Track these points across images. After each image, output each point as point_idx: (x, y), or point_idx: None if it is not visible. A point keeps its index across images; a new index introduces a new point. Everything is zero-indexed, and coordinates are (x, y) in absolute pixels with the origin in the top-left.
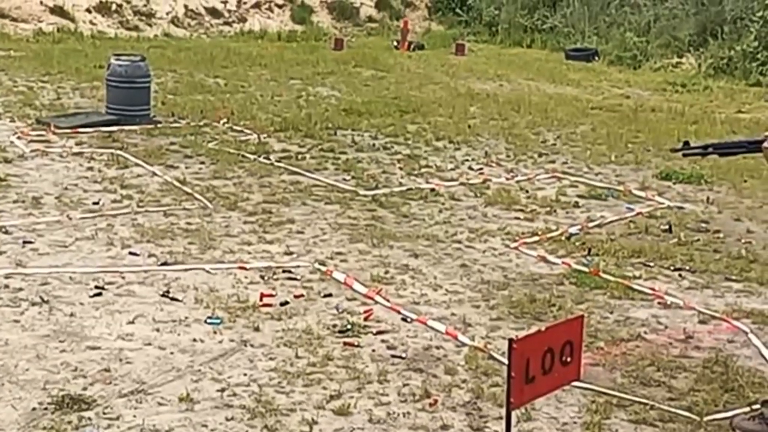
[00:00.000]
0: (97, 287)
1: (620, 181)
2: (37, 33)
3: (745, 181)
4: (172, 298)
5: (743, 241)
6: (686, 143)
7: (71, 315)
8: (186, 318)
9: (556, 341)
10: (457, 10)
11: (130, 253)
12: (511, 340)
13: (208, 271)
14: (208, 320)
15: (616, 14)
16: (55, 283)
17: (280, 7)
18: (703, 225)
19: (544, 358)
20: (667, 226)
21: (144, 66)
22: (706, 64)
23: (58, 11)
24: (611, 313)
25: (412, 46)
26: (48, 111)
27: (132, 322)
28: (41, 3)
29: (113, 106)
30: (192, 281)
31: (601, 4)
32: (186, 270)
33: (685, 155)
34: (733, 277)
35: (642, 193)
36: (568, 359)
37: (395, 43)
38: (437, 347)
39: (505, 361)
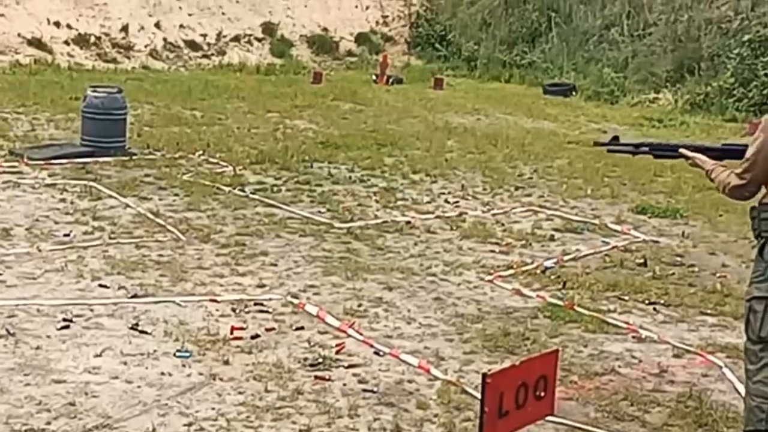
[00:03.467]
0: (64, 320)
1: (596, 215)
2: (14, 65)
3: (721, 216)
4: (141, 331)
5: (718, 275)
6: (615, 137)
7: (37, 348)
8: (155, 351)
9: (531, 375)
10: (437, 45)
11: (100, 285)
12: (484, 374)
13: (178, 304)
14: (177, 353)
15: (594, 50)
16: (22, 316)
17: (259, 40)
18: (678, 259)
19: (518, 392)
20: (642, 260)
21: (120, 98)
22: (683, 100)
23: (36, 43)
24: (585, 346)
25: (390, 80)
26: (22, 142)
27: (99, 356)
28: (19, 35)
29: (88, 137)
30: (162, 314)
31: (579, 40)
32: (156, 302)
33: (610, 151)
34: (708, 311)
35: (617, 227)
36: (542, 393)
37: (374, 77)
38: (409, 381)
39: (478, 395)
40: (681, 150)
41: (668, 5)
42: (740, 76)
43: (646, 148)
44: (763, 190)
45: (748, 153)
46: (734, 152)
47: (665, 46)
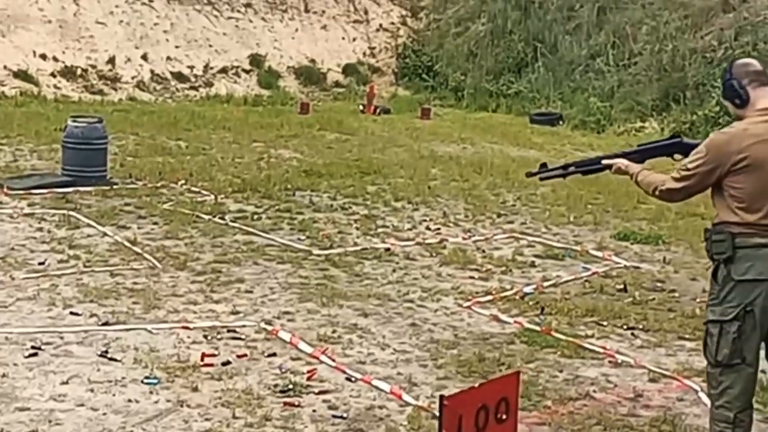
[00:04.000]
0: (33, 347)
1: (578, 242)
2: (0, 97)
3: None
4: (111, 358)
5: (698, 300)
6: (543, 165)
7: (3, 376)
8: (123, 378)
9: (491, 398)
10: (423, 76)
11: (71, 313)
12: (442, 397)
13: (150, 331)
14: (145, 380)
15: (580, 80)
16: None
17: (246, 72)
18: (659, 284)
19: (478, 415)
20: (622, 286)
21: (101, 127)
22: (669, 129)
23: (22, 75)
24: (561, 371)
25: (378, 111)
26: (3, 173)
27: (66, 383)
28: (5, 67)
29: (69, 167)
30: (133, 341)
31: (565, 70)
32: (127, 330)
33: (542, 179)
34: (686, 336)
35: (599, 253)
36: (504, 416)
37: (361, 108)
38: (380, 407)
39: None
40: (603, 161)
41: (653, 35)
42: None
43: (573, 168)
44: (715, 211)
45: (689, 164)
46: (652, 151)
47: (650, 75)
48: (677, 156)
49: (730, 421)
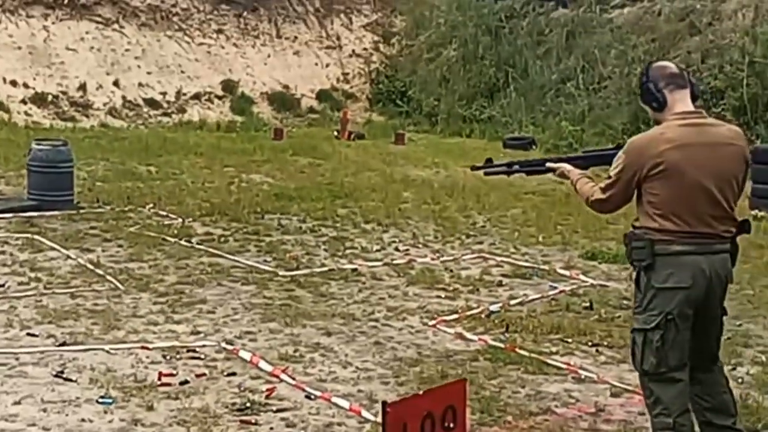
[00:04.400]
0: None
1: (546, 261)
2: None
3: None
4: (66, 379)
5: None
6: (489, 160)
7: None
8: (77, 398)
9: (437, 406)
10: (397, 101)
11: (28, 334)
12: (384, 403)
13: (107, 351)
14: (100, 400)
15: (552, 104)
16: None
17: (219, 98)
18: (625, 302)
19: (423, 423)
20: (588, 304)
21: (66, 150)
22: None
23: None
24: (523, 387)
25: (352, 136)
26: None
27: (18, 403)
28: None
29: (35, 191)
30: (90, 361)
31: (537, 94)
32: (85, 350)
33: (486, 174)
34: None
35: (566, 272)
36: (451, 425)
37: (336, 133)
38: (339, 424)
39: None
40: (548, 164)
41: (621, 59)
42: None
43: (517, 167)
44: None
45: (612, 172)
46: (596, 158)
47: (620, 99)
48: None
49: (671, 426)
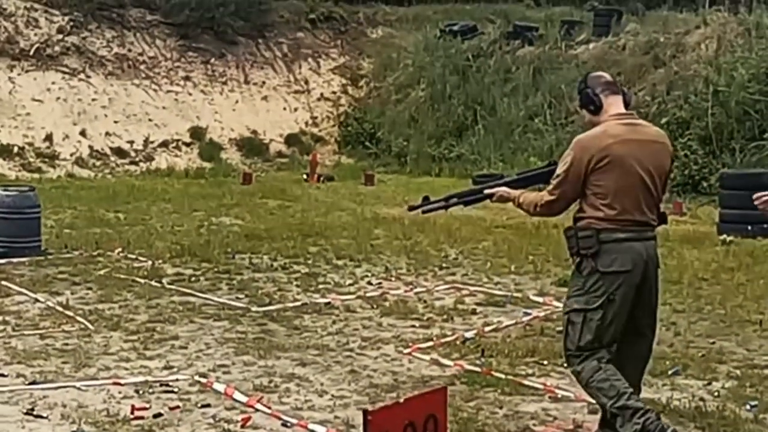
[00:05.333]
0: None
1: (519, 289)
2: None
3: None
4: (37, 416)
5: None
6: (426, 198)
7: None
8: None
9: (417, 414)
10: (366, 143)
11: None
12: (366, 411)
13: (79, 388)
14: None
15: (520, 140)
16: None
17: (187, 145)
18: None
19: (405, 431)
20: (562, 328)
21: (33, 196)
22: None
23: None
24: (500, 408)
25: (321, 179)
26: None
27: None
28: None
29: (1, 238)
30: (61, 398)
31: (505, 131)
32: (56, 388)
33: (425, 212)
34: None
35: (540, 299)
36: None
37: (305, 176)
38: None
39: None
40: (486, 191)
41: None
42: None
43: (455, 199)
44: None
45: (559, 170)
46: (533, 178)
47: None
48: None
49: (600, 369)
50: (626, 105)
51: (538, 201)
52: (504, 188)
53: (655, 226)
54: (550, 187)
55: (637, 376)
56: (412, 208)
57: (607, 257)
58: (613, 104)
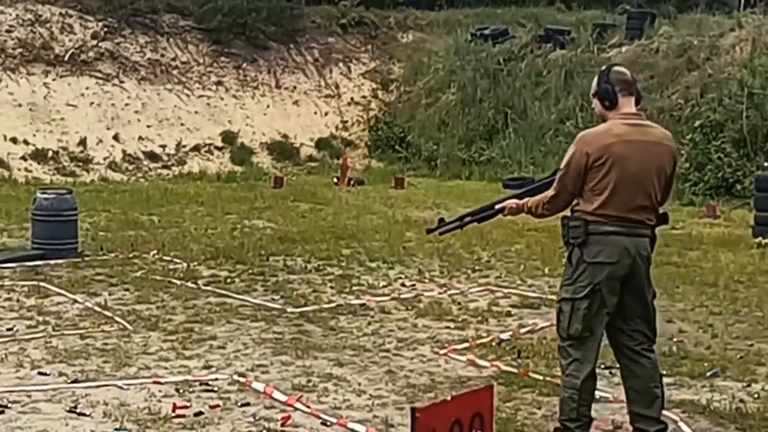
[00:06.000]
0: (0, 406)
1: (554, 292)
2: None
3: (677, 287)
4: (80, 413)
5: (675, 340)
6: (441, 220)
7: None
8: (93, 431)
9: (464, 412)
10: (396, 147)
11: (39, 373)
12: (413, 409)
13: (120, 387)
14: (115, 431)
15: (550, 144)
16: None
17: (219, 149)
18: None
19: (452, 428)
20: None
21: (71, 199)
22: None
23: None
24: (539, 408)
25: (352, 182)
26: None
27: None
28: None
29: (39, 240)
30: (102, 397)
31: (536, 134)
32: (97, 386)
33: (441, 233)
34: (664, 372)
35: None
36: (479, 431)
37: (335, 180)
38: None
39: None
40: (497, 206)
41: None
42: (694, 161)
43: (469, 218)
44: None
45: (563, 163)
46: (539, 189)
47: None
48: None
49: (577, 387)
50: (637, 102)
51: (543, 199)
52: (513, 200)
53: (652, 226)
54: (553, 184)
55: (649, 397)
56: (429, 231)
57: (593, 248)
58: (626, 104)
